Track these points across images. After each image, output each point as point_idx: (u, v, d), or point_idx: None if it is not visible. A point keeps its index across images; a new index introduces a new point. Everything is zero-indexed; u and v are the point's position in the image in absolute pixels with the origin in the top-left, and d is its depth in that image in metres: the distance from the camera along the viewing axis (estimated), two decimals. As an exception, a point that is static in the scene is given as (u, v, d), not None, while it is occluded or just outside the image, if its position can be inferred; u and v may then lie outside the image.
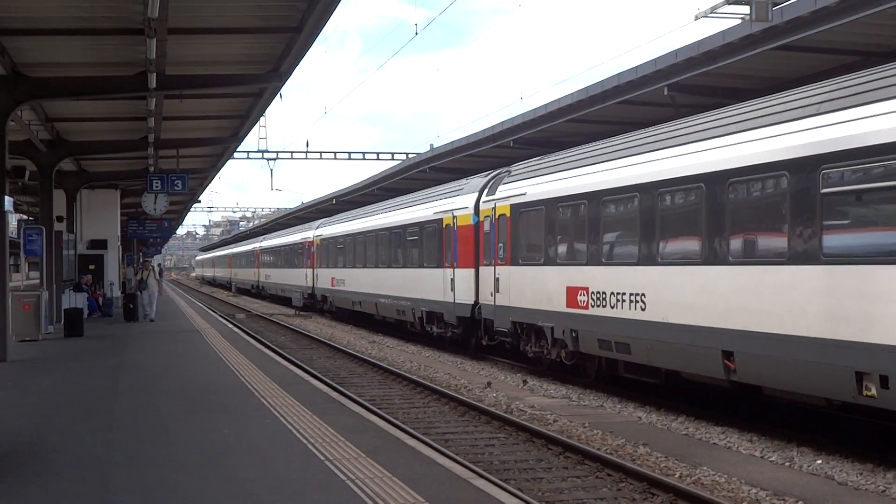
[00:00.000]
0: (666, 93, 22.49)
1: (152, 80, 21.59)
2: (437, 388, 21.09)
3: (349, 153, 54.48)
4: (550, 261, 21.71)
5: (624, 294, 18.39)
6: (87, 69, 22.39)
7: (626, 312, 18.32)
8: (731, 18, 17.65)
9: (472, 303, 26.69)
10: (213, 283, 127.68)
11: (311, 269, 51.47)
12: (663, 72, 22.18)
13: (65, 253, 35.96)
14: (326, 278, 47.61)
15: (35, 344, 26.90)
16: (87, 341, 28.49)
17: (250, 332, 35.29)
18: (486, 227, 25.66)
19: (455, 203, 28.73)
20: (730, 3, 15.69)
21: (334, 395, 17.44)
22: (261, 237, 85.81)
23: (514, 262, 23.71)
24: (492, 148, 33.73)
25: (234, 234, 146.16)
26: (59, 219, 37.34)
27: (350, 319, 45.22)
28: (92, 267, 44.05)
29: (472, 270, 26.77)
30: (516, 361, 25.42)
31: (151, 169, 36.94)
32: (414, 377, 23.00)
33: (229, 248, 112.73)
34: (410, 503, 9.30)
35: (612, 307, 18.80)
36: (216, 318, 41.93)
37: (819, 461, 13.66)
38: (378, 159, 54.13)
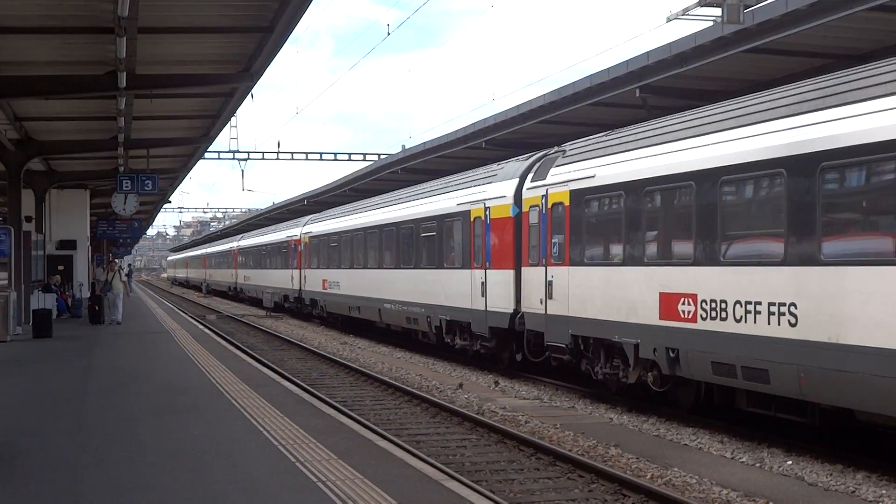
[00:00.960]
0: (638, 94, 22.52)
1: (122, 80, 21.45)
2: (409, 389, 21.06)
3: (321, 154, 54.36)
4: (634, 260, 17.33)
5: (759, 304, 14.06)
6: (56, 68, 22.23)
7: (762, 328, 14.00)
8: (703, 21, 17.70)
9: (511, 311, 22.37)
10: (185, 284, 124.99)
11: (297, 270, 47.14)
12: (635, 73, 22.21)
13: (33, 253, 35.66)
14: (316, 280, 43.18)
15: (3, 345, 26.67)
16: (56, 342, 28.28)
17: (221, 334, 35.15)
18: (533, 218, 21.24)
19: (487, 192, 24.21)
20: (701, 6, 15.73)
21: (305, 396, 17.38)
22: (238, 236, 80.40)
23: (575, 262, 19.23)
24: (464, 149, 33.69)
25: (205, 233, 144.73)
26: (28, 219, 37.06)
27: (344, 326, 40.64)
28: (61, 268, 43.74)
29: (511, 272, 22.49)
30: (569, 383, 21.42)
31: (121, 169, 36.68)
32: (385, 378, 22.96)
33: (203, 248, 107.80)
34: (382, 505, 9.27)
35: (739, 321, 14.46)
36: (187, 320, 41.73)
37: (789, 462, 13.71)
38: (350, 160, 54.06)
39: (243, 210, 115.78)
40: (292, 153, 54.32)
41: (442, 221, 26.99)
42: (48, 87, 22.91)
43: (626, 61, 22.44)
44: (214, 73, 23.36)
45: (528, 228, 21.56)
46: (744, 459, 14.07)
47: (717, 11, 15.60)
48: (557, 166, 20.52)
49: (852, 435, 14.77)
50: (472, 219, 24.75)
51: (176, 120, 30.54)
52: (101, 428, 13.82)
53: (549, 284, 20.15)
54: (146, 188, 34.26)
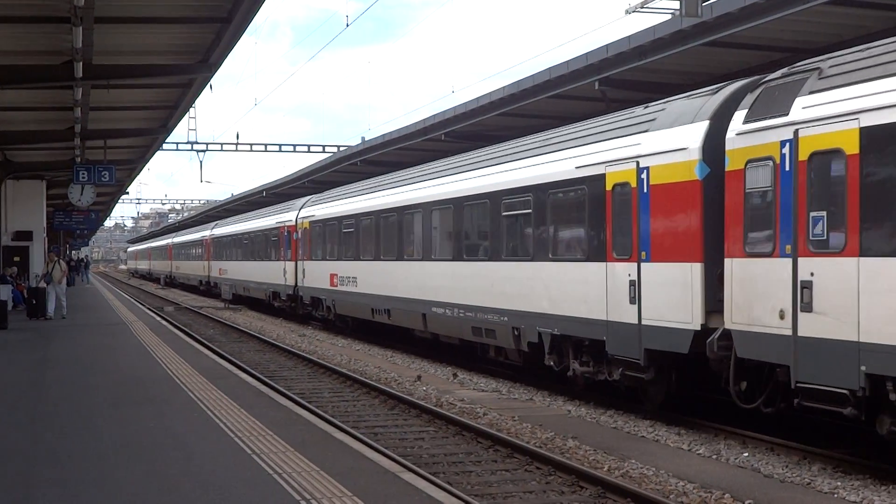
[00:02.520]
0: (597, 87, 22.56)
1: (79, 70, 21.22)
2: (368, 381, 21.02)
3: (280, 145, 54.08)
4: None
5: None
6: (11, 57, 21.96)
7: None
8: (662, 13, 17.77)
9: (696, 327, 14.76)
10: (148, 276, 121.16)
11: (293, 263, 38.73)
12: (594, 66, 22.23)
13: (-12, 244, 35.31)
14: (321, 275, 34.60)
15: (-43, 337, 26.41)
16: (11, 334, 28.03)
17: (179, 325, 34.96)
18: (760, 179, 13.50)
19: (640, 144, 16.18)
20: (660, -2, 15.77)
21: (263, 388, 17.31)
22: (210, 224, 71.03)
23: (871, 251, 11.72)
24: (423, 141, 33.64)
25: (162, 225, 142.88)
26: (-17, 210, 36.71)
27: (360, 333, 32.69)
28: (17, 259, 43.31)
29: (695, 267, 14.80)
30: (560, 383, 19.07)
31: (78, 159, 36.33)
32: (344, 371, 22.90)
33: (168, 238, 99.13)
34: (338, 497, 9.23)
35: None
36: (144, 311, 41.48)
37: (746, 454, 13.79)
38: (309, 152, 53.83)
39: (202, 202, 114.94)
40: (251, 145, 54.00)
41: (545, 193, 19.06)
42: (3, 77, 22.61)
43: (586, 54, 22.46)
44: (172, 64, 23.17)
45: (741, 196, 13.91)
46: (700, 451, 14.13)
47: (676, 4, 15.64)
48: (814, 92, 12.93)
49: (808, 427, 14.88)
50: (608, 188, 16.84)
51: (133, 111, 30.29)
52: (55, 420, 13.69)
53: (803, 288, 12.70)
54: (103, 179, 33.98)
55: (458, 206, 23.40)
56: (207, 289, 73.20)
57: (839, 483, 12.14)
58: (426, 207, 25.41)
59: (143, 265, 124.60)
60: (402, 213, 27.12)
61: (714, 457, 13.81)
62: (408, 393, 19.65)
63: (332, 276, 33.44)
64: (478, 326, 21.86)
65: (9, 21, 19.11)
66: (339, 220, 33.04)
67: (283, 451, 11.32)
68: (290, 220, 40.30)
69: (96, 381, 17.90)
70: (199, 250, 68.17)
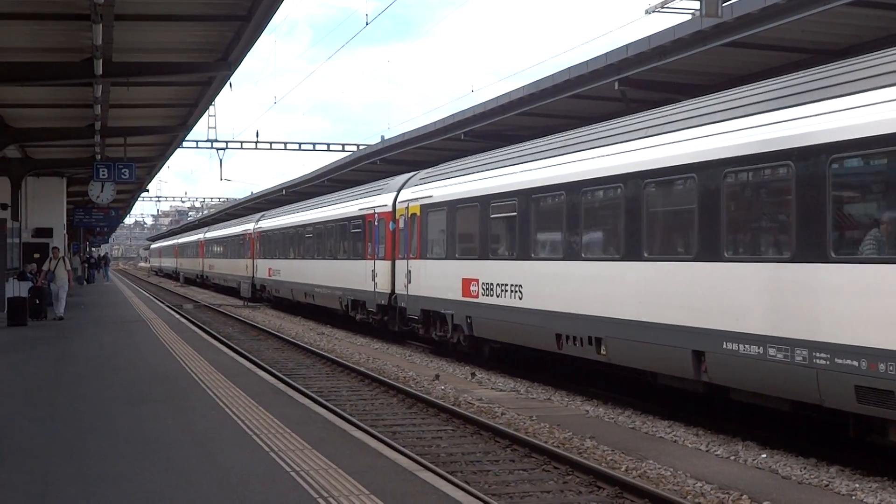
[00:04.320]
0: (617, 87, 22.53)
1: (98, 67, 21.30)
2: (386, 380, 21.03)
3: (299, 144, 54.22)
4: None
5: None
6: (31, 55, 22.05)
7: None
8: (682, 14, 17.72)
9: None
10: (159, 272, 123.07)
11: (386, 262, 29.90)
12: (614, 66, 22.21)
13: (9, 241, 35.43)
14: (444, 280, 25.15)
15: (-23, 333, 26.52)
16: (30, 330, 28.13)
17: (197, 323, 35.03)
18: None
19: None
20: (681, -2, 15.74)
21: (281, 386, 17.33)
22: (205, 228, 77.63)
23: None
24: (443, 140, 33.65)
25: (182, 223, 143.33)
26: (4, 206, 36.85)
27: (510, 366, 23.06)
28: (37, 255, 43.40)
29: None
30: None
31: (98, 157, 36.47)
32: (362, 369, 22.91)
33: (175, 239, 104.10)
34: (355, 495, 9.23)
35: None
36: (163, 308, 41.57)
37: (764, 455, 13.74)
38: (328, 150, 53.90)
39: (221, 199, 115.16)
40: (271, 143, 54.15)
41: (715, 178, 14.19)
42: (23, 74, 22.70)
43: (605, 54, 22.43)
44: (192, 62, 23.22)
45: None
46: (718, 452, 14.09)
47: (696, 5, 15.60)
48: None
49: (827, 429, 14.82)
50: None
51: (153, 108, 30.37)
52: (74, 417, 13.73)
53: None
54: (123, 176, 34.06)
55: (559, 194, 19.34)
56: (202, 281, 74.07)
57: (857, 485, 12.09)
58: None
59: (168, 263, 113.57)
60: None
61: (732, 458, 13.77)
62: (426, 392, 19.65)
63: (466, 281, 23.49)
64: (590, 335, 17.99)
65: (29, 18, 19.19)
66: (482, 202, 22.69)
67: (301, 448, 11.33)
68: (384, 206, 30.50)
69: (115, 377, 17.94)
70: (241, 246, 57.83)
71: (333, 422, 13.54)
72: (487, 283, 22.27)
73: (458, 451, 14.25)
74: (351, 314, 33.79)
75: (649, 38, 20.69)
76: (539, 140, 22.21)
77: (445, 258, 24.98)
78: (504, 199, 21.57)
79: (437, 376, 22.12)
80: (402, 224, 28.35)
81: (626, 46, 21.53)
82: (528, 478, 12.67)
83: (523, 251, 20.61)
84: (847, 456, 13.34)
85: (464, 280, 23.60)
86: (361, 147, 48.27)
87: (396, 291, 28.67)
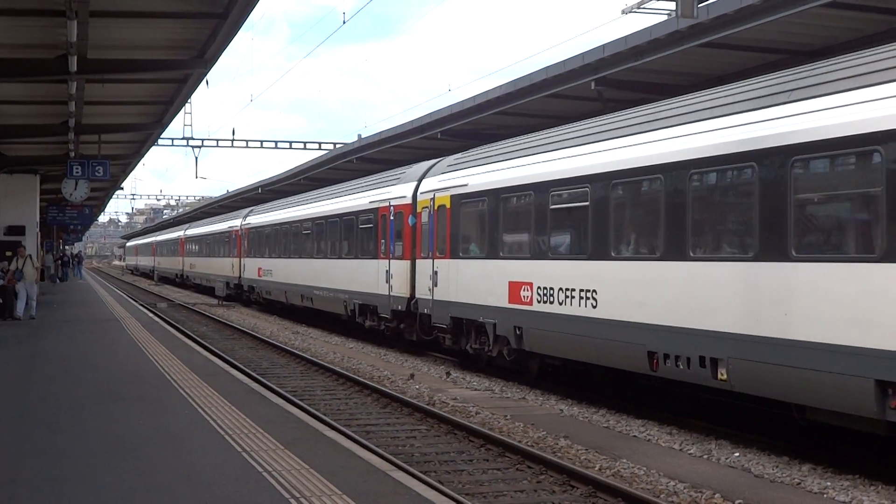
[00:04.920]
0: (593, 87, 22.56)
1: (73, 64, 21.16)
2: (360, 379, 20.99)
3: (276, 142, 54.07)
4: None
5: None
6: (5, 51, 21.88)
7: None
8: (658, 14, 17.74)
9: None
10: (135, 271, 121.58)
11: (404, 262, 26.04)
12: (591, 66, 22.23)
13: (-19, 239, 35.18)
14: (482, 284, 21.44)
15: (-51, 331, 26.33)
16: (1, 329, 27.94)
17: (171, 322, 34.89)
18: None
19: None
20: (656, -1, 15.76)
21: (255, 385, 17.27)
22: (185, 225, 74.50)
23: None
24: (420, 139, 33.62)
25: (156, 221, 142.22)
26: (-24, 204, 36.58)
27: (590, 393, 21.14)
28: (9, 253, 43.18)
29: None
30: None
31: (72, 154, 36.28)
32: (337, 368, 22.87)
33: (152, 237, 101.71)
34: (327, 495, 9.19)
35: None
36: (136, 307, 41.39)
37: (737, 454, 13.77)
38: (305, 149, 53.76)
39: (197, 198, 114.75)
40: (247, 141, 53.94)
41: None
42: (-3, 70, 22.57)
43: (582, 54, 22.46)
44: (168, 59, 23.11)
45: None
46: (692, 451, 14.12)
47: (672, 5, 15.62)
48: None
49: (798, 428, 14.87)
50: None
51: (128, 105, 30.21)
52: (44, 417, 13.62)
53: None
54: (97, 174, 33.90)
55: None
56: (181, 281, 71.19)
57: (829, 483, 12.14)
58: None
59: (145, 261, 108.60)
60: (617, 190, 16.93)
61: (705, 456, 13.80)
62: (400, 391, 19.62)
63: (515, 285, 19.82)
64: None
65: (3, 14, 19.04)
66: (539, 190, 19.06)
67: (274, 448, 11.28)
68: (401, 197, 26.80)
69: (87, 377, 17.83)
70: (226, 244, 54.21)
71: (307, 421, 13.49)
72: (545, 288, 18.68)
73: (431, 450, 14.22)
74: (358, 320, 29.88)
75: (626, 38, 20.72)
76: (623, 113, 18.07)
77: (486, 257, 21.33)
78: (571, 185, 17.94)
79: (412, 375, 22.09)
80: (424, 218, 24.80)
81: (603, 46, 21.56)
82: (501, 477, 12.65)
83: (599, 249, 16.97)
84: (819, 454, 13.39)
85: (511, 284, 19.93)
86: (338, 145, 48.19)
87: (417, 295, 25.01)
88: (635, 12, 16.97)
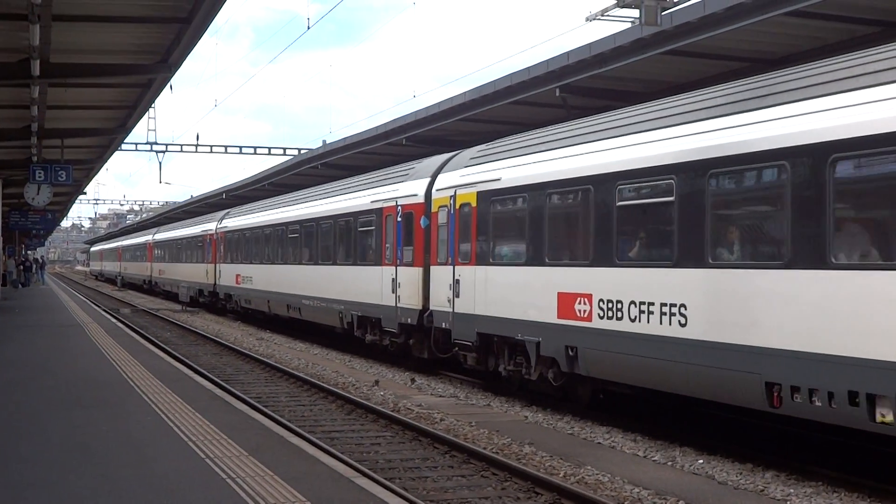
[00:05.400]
0: (558, 94, 22.62)
1: (35, 68, 21.00)
2: (325, 385, 20.93)
3: (240, 147, 53.79)
4: None
5: None
6: (-33, 55, 21.73)
7: None
8: (622, 21, 17.80)
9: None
10: (99, 277, 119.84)
11: (414, 269, 23.25)
12: (555, 73, 22.30)
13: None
14: (518, 295, 18.68)
15: None
16: (-37, 335, 27.72)
17: (135, 328, 34.68)
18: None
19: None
20: (620, 7, 15.81)
21: (219, 392, 17.20)
22: (153, 229, 71.61)
23: None
24: (384, 145, 33.60)
25: (120, 226, 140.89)
26: (-63, 208, 36.25)
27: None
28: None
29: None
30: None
31: (35, 159, 36.00)
32: (301, 375, 22.80)
33: (118, 241, 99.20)
34: (291, 501, 9.16)
35: None
36: (99, 313, 41.13)
37: (701, 461, 13.83)
38: (269, 154, 53.58)
39: (160, 203, 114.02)
40: (211, 146, 53.68)
41: None
42: (-42, 74, 22.36)
43: (547, 61, 22.52)
44: (131, 64, 22.98)
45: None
46: (656, 458, 14.16)
47: (636, 13, 15.67)
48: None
49: (763, 435, 14.96)
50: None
51: (92, 110, 30.02)
52: (4, 423, 13.52)
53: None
54: (60, 179, 33.68)
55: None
56: (149, 287, 68.51)
57: (792, 490, 12.20)
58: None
59: (111, 267, 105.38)
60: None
61: (669, 463, 13.84)
62: (365, 398, 19.58)
63: (567, 297, 16.75)
64: None
65: (-36, 18, 18.88)
66: (602, 184, 15.94)
67: (238, 455, 11.23)
68: (411, 195, 23.84)
69: (48, 383, 17.69)
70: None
71: (271, 428, 13.45)
72: (611, 301, 15.53)
73: (396, 457, 14.20)
74: (356, 333, 26.99)
75: (590, 45, 20.80)
76: (724, 86, 14.91)
77: (526, 264, 18.19)
78: (649, 177, 14.96)
79: (377, 382, 22.05)
80: (442, 218, 21.67)
81: (567, 54, 21.63)
82: (466, 484, 12.64)
83: (690, 254, 13.95)
84: (783, 461, 13.45)
85: (562, 295, 16.88)
86: (303, 151, 48.09)
87: (432, 307, 22.12)
88: (599, 20, 17.00)
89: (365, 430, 16.39)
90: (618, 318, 15.30)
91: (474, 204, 20.10)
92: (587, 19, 16.69)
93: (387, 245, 24.82)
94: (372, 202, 26.18)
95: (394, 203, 24.52)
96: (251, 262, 40.04)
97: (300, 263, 32.95)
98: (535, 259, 17.92)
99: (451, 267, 20.98)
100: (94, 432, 12.75)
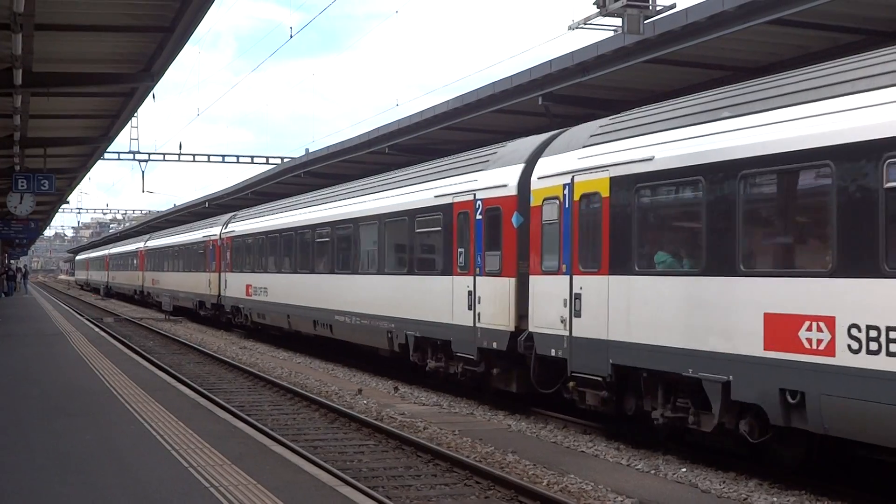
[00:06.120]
0: (540, 102, 22.64)
1: (18, 77, 20.95)
2: (308, 394, 20.91)
3: (223, 156, 53.74)
4: None
5: None
6: (-52, 63, 21.66)
7: None
8: (605, 30, 17.84)
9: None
10: (85, 286, 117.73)
11: (504, 279, 18.54)
12: (538, 81, 22.32)
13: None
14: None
15: None
16: (-55, 344, 27.59)
17: (118, 337, 34.57)
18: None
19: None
20: (603, 15, 15.84)
21: (202, 401, 17.17)
22: (145, 236, 67.12)
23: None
24: (368, 154, 33.58)
25: (104, 235, 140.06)
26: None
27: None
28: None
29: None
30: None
31: (17, 168, 35.88)
32: (284, 383, 22.77)
33: (105, 249, 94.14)
34: (275, 511, 9.16)
35: None
36: (83, 322, 41.00)
37: (684, 469, 13.86)
38: (252, 163, 53.49)
39: (143, 212, 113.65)
40: (194, 155, 53.59)
41: None
42: (-59, 83, 22.29)
43: (529, 69, 22.55)
44: (114, 73, 22.95)
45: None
46: (639, 466, 14.19)
47: (618, 21, 15.71)
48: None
49: (745, 444, 14.98)
50: None
51: (74, 119, 29.95)
52: (-12, 432, 13.47)
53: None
54: (43, 188, 33.55)
55: None
56: (141, 298, 64.51)
57: (775, 499, 12.24)
58: None
59: (98, 276, 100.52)
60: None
61: (653, 472, 13.87)
62: (348, 406, 19.57)
63: (786, 323, 11.98)
64: None
65: (-54, 27, 18.83)
66: (848, 160, 11.25)
67: (221, 464, 11.22)
68: (498, 186, 19.06)
69: (31, 391, 17.64)
70: (200, 257, 45.90)
71: (254, 437, 13.44)
72: (873, 328, 10.80)
73: (379, 465, 14.20)
74: (413, 359, 22.14)
75: (573, 53, 20.84)
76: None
77: (701, 273, 13.47)
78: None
79: (360, 390, 22.03)
80: (550, 214, 16.96)
81: (550, 62, 21.66)
82: (449, 492, 12.65)
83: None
84: (766, 470, 13.48)
85: (772, 318, 12.16)
86: (286, 160, 48.04)
87: (532, 328, 17.36)
88: (582, 28, 17.01)
89: (348, 439, 16.38)
90: (890, 353, 10.66)
91: (606, 193, 15.53)
92: (570, 28, 16.70)
93: (460, 249, 20.07)
94: (436, 197, 21.34)
95: (470, 197, 19.80)
96: (266, 271, 35.23)
97: (332, 272, 27.99)
98: (718, 266, 13.18)
99: (567, 277, 16.37)
100: (78, 441, 12.73)
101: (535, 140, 18.94)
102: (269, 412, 19.22)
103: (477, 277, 19.30)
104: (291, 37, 33.18)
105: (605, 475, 13.56)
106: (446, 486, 12.96)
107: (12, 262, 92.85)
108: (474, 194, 19.66)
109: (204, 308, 45.25)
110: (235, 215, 42.99)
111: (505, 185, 18.71)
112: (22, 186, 33.51)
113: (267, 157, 52.68)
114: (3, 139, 30.96)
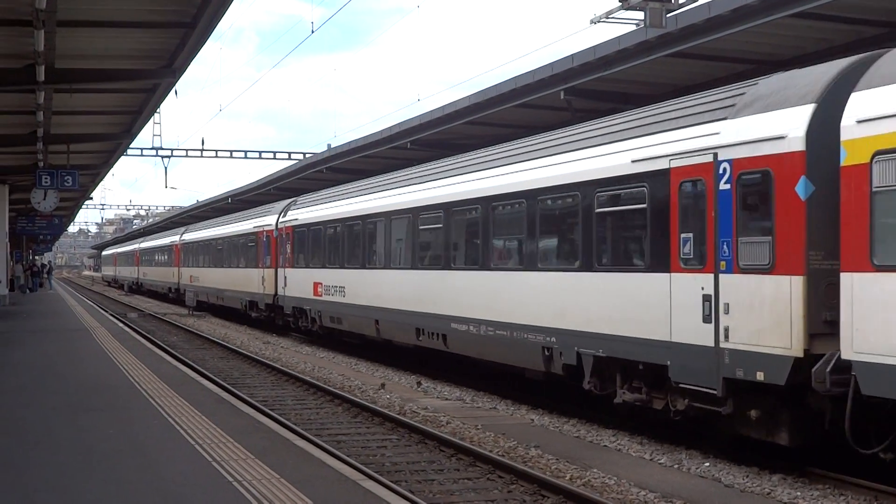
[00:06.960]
0: (562, 97, 22.61)
1: (41, 73, 21.06)
2: (331, 389, 20.94)
3: (245, 152, 53.94)
4: None
5: None
6: (-28, 60, 21.77)
7: None
8: (627, 24, 17.81)
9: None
10: (113, 283, 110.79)
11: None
12: (560, 76, 22.28)
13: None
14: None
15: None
16: (-30, 340, 27.75)
17: (141, 332, 34.72)
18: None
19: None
20: (625, 9, 15.81)
21: (225, 395, 17.20)
22: (180, 229, 62.01)
23: None
24: (389, 149, 33.62)
25: (126, 231, 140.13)
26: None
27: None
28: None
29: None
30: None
31: (41, 164, 36.08)
32: (308, 378, 22.80)
33: (135, 243, 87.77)
34: (298, 505, 9.18)
35: None
36: (107, 317, 41.16)
37: (707, 464, 13.82)
38: (275, 158, 53.72)
39: (167, 208, 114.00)
40: (216, 151, 53.80)
41: None
42: (-36, 80, 22.41)
43: (551, 63, 22.52)
44: (136, 69, 23.01)
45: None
46: (662, 461, 14.16)
47: (641, 15, 15.68)
48: None
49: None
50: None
51: (97, 115, 30.08)
52: (13, 427, 13.54)
53: None
54: (66, 184, 33.71)
55: None
56: (177, 296, 58.36)
57: (799, 493, 12.19)
58: None
59: (126, 272, 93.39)
60: None
61: (675, 466, 13.84)
62: (371, 401, 19.58)
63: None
64: None
65: (-30, 24, 18.93)
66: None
67: (244, 458, 11.25)
68: (761, 142, 12.86)
69: (57, 387, 17.73)
70: (249, 251, 40.46)
71: (277, 431, 13.47)
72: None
73: (402, 460, 14.21)
74: (588, 385, 16.35)
75: (595, 48, 20.79)
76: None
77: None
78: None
79: (383, 385, 22.05)
80: (887, 177, 10.97)
81: (572, 56, 21.62)
82: (472, 487, 12.65)
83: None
84: (789, 465, 13.44)
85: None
86: (308, 155, 48.09)
87: (855, 353, 11.28)
88: (604, 22, 17.00)
89: (371, 434, 16.40)
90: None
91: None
92: (592, 22, 16.69)
93: (684, 235, 14.10)
94: (634, 162, 15.31)
95: (705, 158, 13.74)
96: (343, 267, 28.84)
97: (448, 268, 21.93)
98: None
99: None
100: (102, 436, 12.78)
101: (830, 68, 12.90)
102: (293, 407, 19.26)
103: (721, 275, 13.27)
104: (313, 32, 33.27)
105: (628, 470, 13.54)
106: (469, 481, 12.96)
107: (37, 258, 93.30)
108: (714, 154, 13.49)
109: (256, 309, 39.36)
110: (295, 201, 36.78)
111: (782, 137, 12.56)
112: (45, 183, 33.69)
113: (289, 153, 52.87)
114: (27, 136, 31.12)
